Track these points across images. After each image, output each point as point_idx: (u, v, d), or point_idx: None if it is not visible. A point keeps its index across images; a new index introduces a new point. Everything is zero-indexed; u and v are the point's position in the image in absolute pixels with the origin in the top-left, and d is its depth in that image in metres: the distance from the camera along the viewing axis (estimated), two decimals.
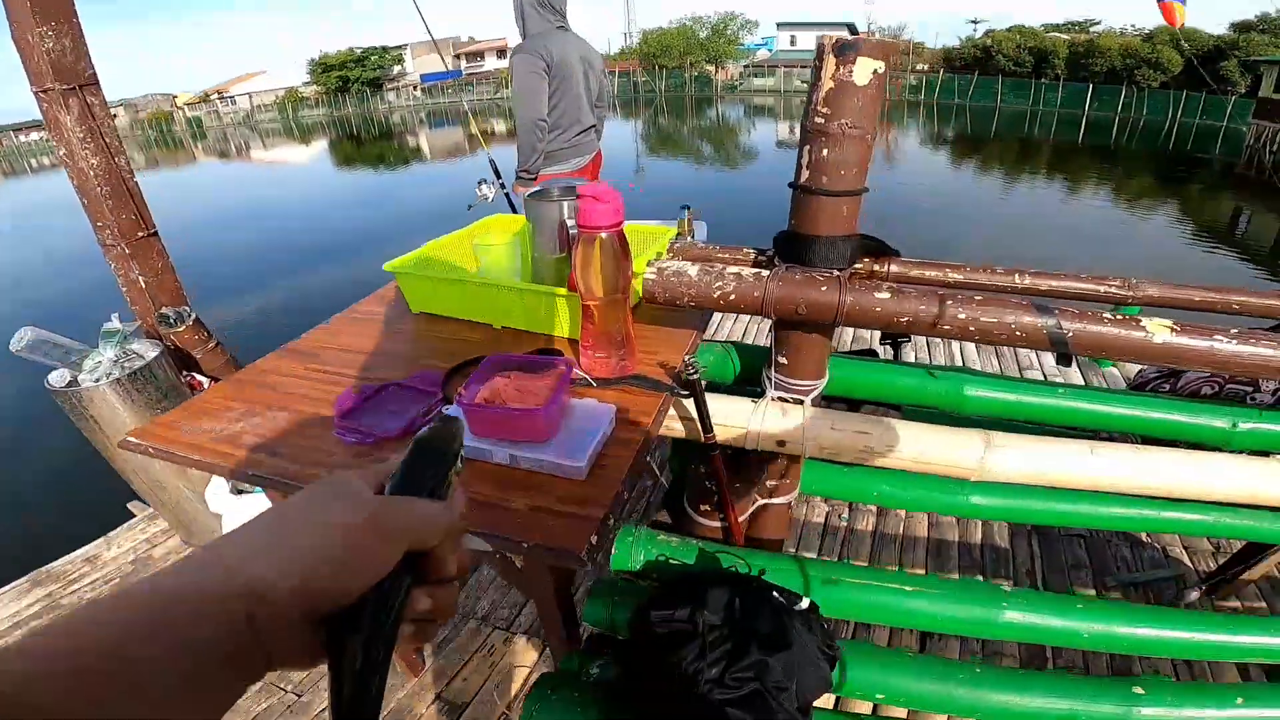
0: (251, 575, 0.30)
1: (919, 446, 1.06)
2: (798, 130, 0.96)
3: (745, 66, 47.20)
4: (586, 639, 1.23)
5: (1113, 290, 1.14)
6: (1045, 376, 3.34)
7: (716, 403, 1.13)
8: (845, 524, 2.35)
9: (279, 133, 40.33)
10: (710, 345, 1.37)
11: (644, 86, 44.93)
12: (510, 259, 1.36)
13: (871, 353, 1.59)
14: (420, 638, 0.38)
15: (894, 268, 1.11)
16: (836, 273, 0.96)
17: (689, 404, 1.08)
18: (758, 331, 3.96)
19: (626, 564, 1.19)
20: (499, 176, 3.34)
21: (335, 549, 0.33)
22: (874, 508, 2.39)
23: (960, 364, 3.50)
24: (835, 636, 0.99)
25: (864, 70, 0.83)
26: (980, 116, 28.83)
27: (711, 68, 44.57)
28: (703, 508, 1.33)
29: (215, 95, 52.02)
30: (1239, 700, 0.98)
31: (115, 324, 2.08)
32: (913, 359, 3.45)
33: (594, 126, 3.08)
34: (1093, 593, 2.02)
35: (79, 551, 2.47)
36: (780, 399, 1.15)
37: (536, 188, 1.27)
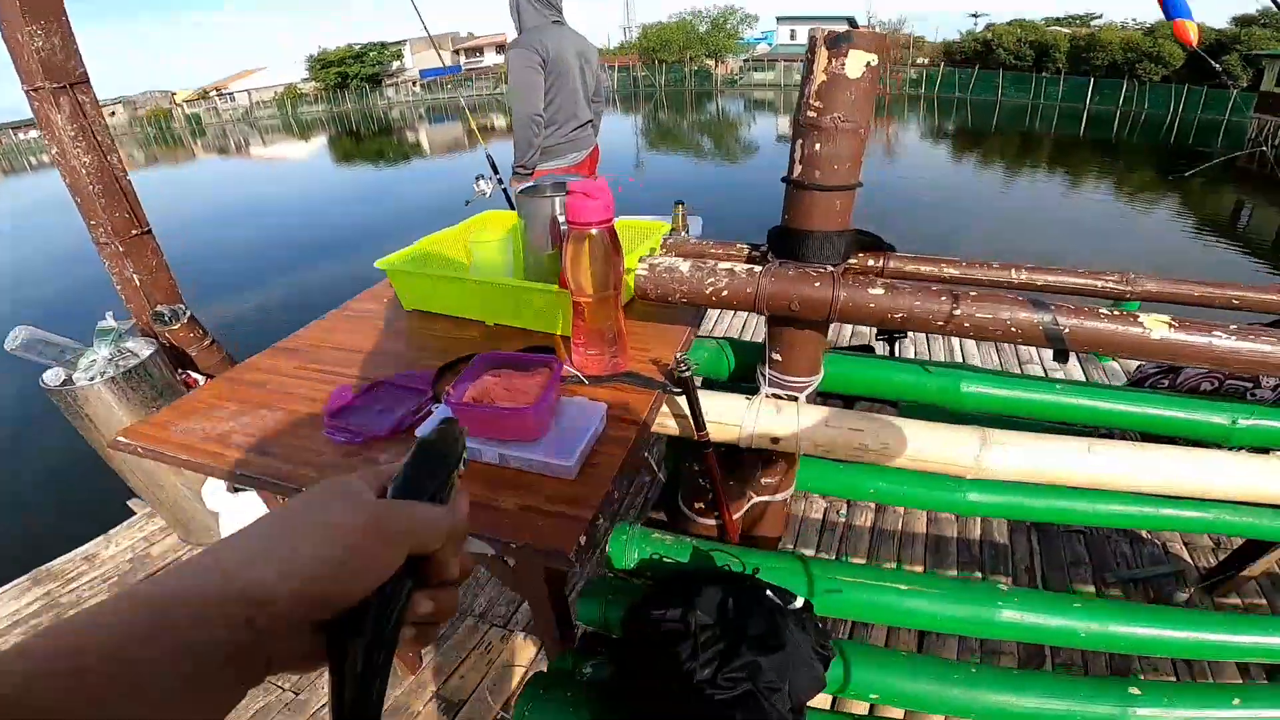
0: (251, 578, 0.30)
1: (914, 444, 1.05)
2: None
3: (745, 61, 46.99)
4: (580, 638, 1.23)
5: (1110, 285, 1.12)
6: (1045, 371, 3.33)
7: (710, 400, 1.12)
8: (844, 520, 2.34)
9: (278, 129, 40.26)
10: (705, 341, 1.36)
11: (643, 81, 44.75)
12: (503, 256, 1.35)
13: (868, 348, 1.58)
14: (421, 640, 0.38)
15: (889, 263, 1.10)
16: (830, 268, 0.95)
17: (682, 401, 1.07)
18: (755, 328, 3.94)
19: (621, 562, 1.18)
20: (496, 172, 3.33)
21: (336, 551, 0.32)
22: (873, 504, 2.39)
23: (960, 359, 3.48)
24: (829, 636, 0.99)
25: (856, 63, 0.82)
26: (981, 110, 28.73)
27: (711, 62, 44.38)
28: (697, 505, 1.32)
29: (214, 92, 51.92)
30: (1236, 701, 0.97)
31: (110, 322, 2.08)
32: (912, 354, 3.44)
33: (591, 122, 3.06)
34: (1092, 589, 2.01)
35: (78, 550, 2.47)
36: (774, 396, 1.14)
37: (531, 183, 1.26)
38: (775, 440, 1.09)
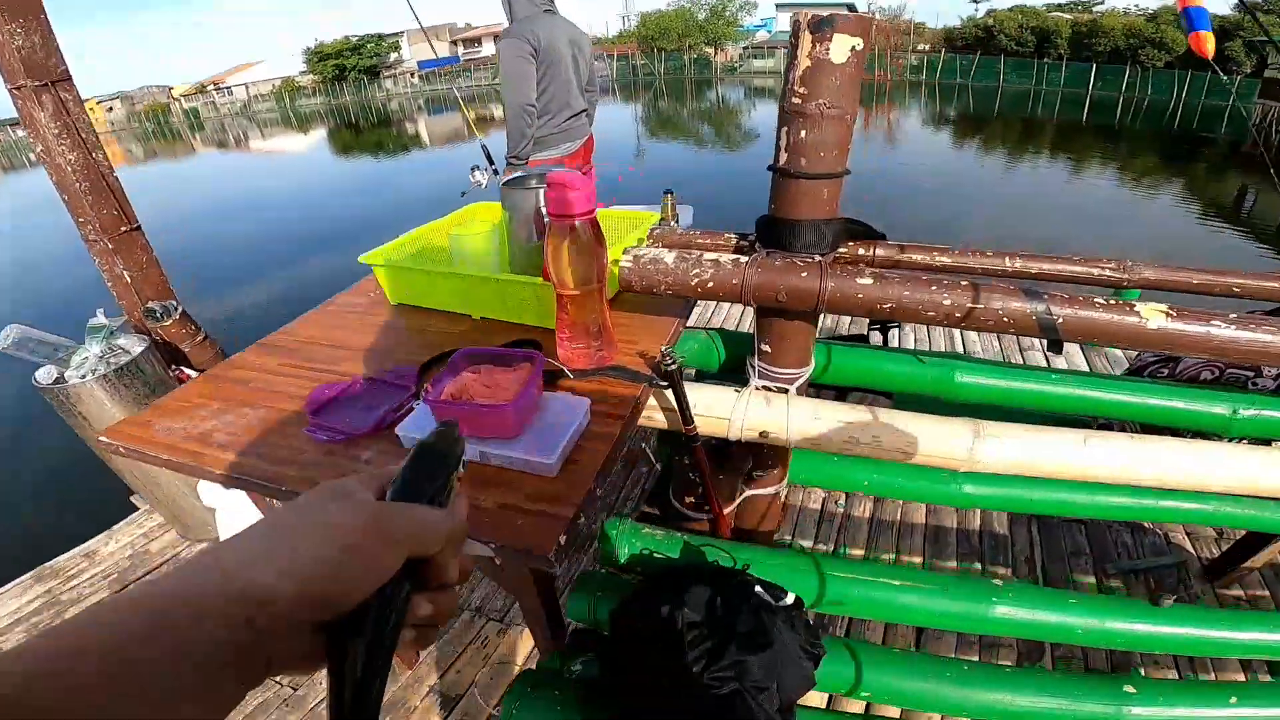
0: (251, 579, 0.30)
1: (906, 437, 1.03)
2: None
3: (744, 48, 46.61)
4: (571, 634, 1.22)
5: (1107, 273, 1.10)
6: (1047, 359, 3.30)
7: (698, 393, 1.10)
8: (842, 510, 2.33)
9: (277, 122, 40.12)
10: (694, 333, 1.34)
11: (643, 70, 44.46)
12: (488, 249, 1.33)
13: (862, 338, 1.56)
14: (421, 642, 0.38)
15: (880, 251, 1.08)
16: (818, 258, 0.93)
17: (669, 395, 1.05)
18: (748, 318, 3.91)
19: (612, 557, 1.17)
20: (492, 163, 3.30)
21: (335, 553, 0.32)
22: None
23: (961, 346, 3.45)
24: (820, 634, 0.97)
25: (841, 48, 0.79)
26: (982, 97, 28.47)
27: (710, 50, 44.04)
28: (688, 500, 1.31)
29: (211, 86, 51.78)
30: (1232, 700, 0.96)
31: (101, 319, 2.06)
32: (911, 343, 3.41)
33: (585, 111, 3.03)
34: (1093, 580, 1.99)
35: (79, 548, 2.47)
36: (764, 388, 1.12)
37: (518, 174, 1.24)
38: (765, 434, 1.07)
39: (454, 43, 56.63)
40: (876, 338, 1.66)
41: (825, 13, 0.80)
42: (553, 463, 0.83)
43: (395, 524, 0.35)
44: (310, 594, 0.31)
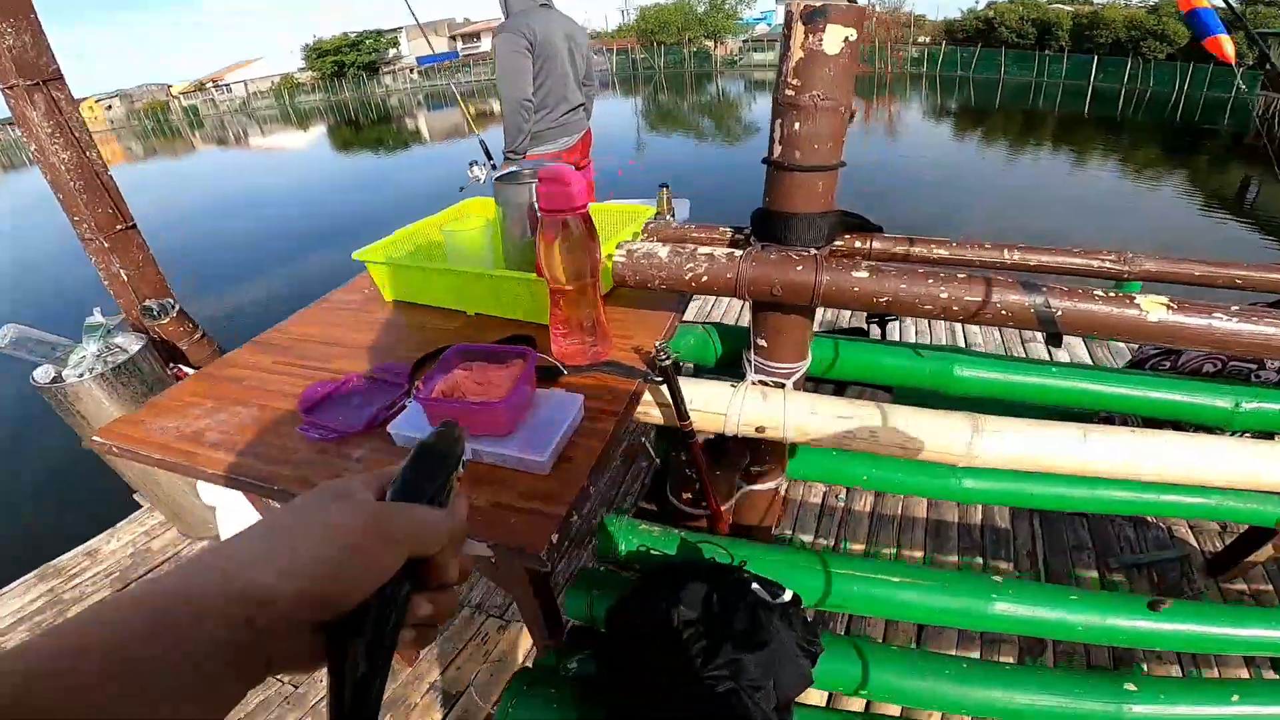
0: (252, 579, 0.30)
1: (903, 431, 1.02)
2: None
3: (744, 41, 46.47)
4: (568, 632, 1.21)
5: (1107, 265, 1.09)
6: (1049, 351, 3.27)
7: (694, 388, 1.09)
8: (842, 505, 2.32)
9: (276, 119, 40.08)
10: (691, 327, 1.32)
11: (642, 64, 44.33)
12: (482, 244, 1.32)
13: (861, 331, 1.55)
14: (421, 642, 0.38)
15: (876, 244, 1.07)
16: (814, 251, 0.92)
17: (665, 390, 1.04)
18: (746, 312, 3.88)
19: (609, 553, 1.16)
20: (490, 158, 3.29)
21: (336, 553, 0.32)
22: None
23: (962, 338, 3.42)
24: (818, 631, 0.96)
25: (834, 38, 0.78)
26: (983, 89, 28.34)
27: (710, 43, 43.91)
28: (685, 496, 1.30)
29: (210, 84, 51.71)
30: (1234, 697, 0.94)
31: (98, 318, 2.06)
32: (912, 336, 3.40)
33: (582, 105, 3.01)
34: (1095, 575, 1.98)
35: (81, 546, 2.47)
36: (761, 383, 1.11)
37: (509, 170, 1.23)
38: (761, 429, 1.06)
39: (453, 38, 56.52)
40: (875, 331, 1.65)
41: (818, 3, 0.79)
42: (545, 461, 0.82)
43: (395, 524, 0.35)
44: (310, 594, 0.31)
